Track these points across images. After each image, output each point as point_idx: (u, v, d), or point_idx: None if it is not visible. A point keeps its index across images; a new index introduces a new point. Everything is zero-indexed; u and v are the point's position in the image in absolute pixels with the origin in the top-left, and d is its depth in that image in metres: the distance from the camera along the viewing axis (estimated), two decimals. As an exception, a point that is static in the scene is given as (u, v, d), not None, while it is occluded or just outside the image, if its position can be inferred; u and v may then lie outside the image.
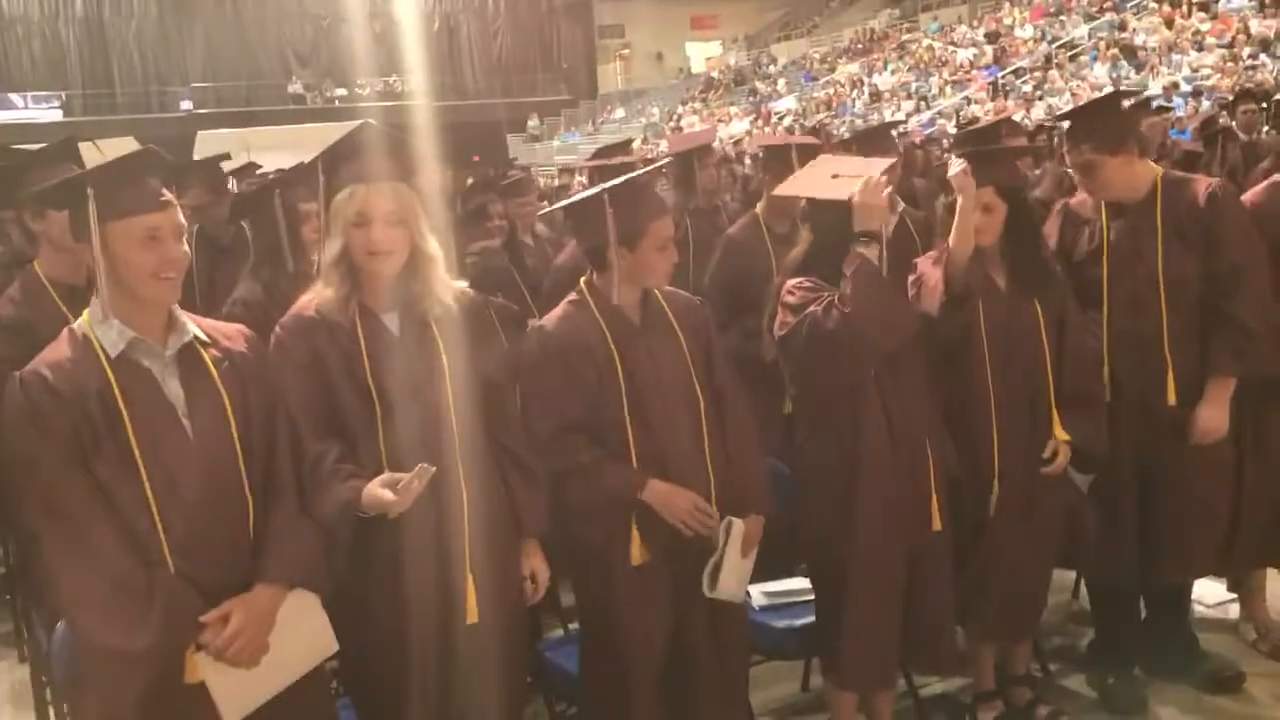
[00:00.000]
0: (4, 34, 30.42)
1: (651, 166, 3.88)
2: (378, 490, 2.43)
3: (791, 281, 3.15)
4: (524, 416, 2.90)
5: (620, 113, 33.28)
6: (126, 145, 3.26)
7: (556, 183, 12.97)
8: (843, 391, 3.15)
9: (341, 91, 32.56)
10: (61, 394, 2.23)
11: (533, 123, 33.50)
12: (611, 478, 2.93)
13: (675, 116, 30.30)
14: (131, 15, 31.47)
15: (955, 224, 3.26)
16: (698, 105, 31.09)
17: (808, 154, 4.30)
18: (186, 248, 2.35)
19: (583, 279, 3.09)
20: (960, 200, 3.25)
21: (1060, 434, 3.35)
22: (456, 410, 2.60)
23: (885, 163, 3.24)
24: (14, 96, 29.50)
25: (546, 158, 27.40)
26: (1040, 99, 19.27)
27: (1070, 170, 4.11)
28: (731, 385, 3.12)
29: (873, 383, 3.14)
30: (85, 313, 2.37)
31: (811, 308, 3.05)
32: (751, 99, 29.30)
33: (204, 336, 2.41)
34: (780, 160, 4.57)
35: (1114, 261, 3.54)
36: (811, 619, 3.35)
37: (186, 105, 30.73)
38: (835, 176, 3.15)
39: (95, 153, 3.34)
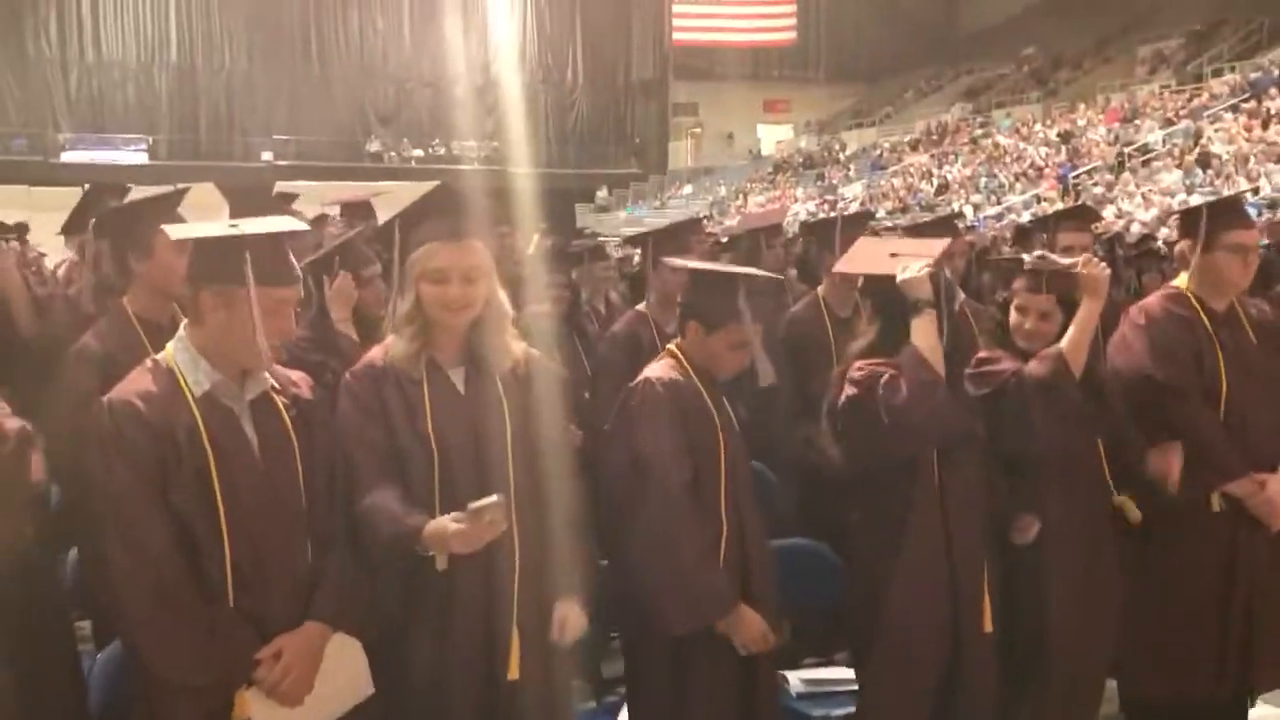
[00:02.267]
0: (100, 76, 31.57)
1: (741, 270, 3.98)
2: (443, 521, 2.47)
3: (859, 361, 3.18)
4: (647, 469, 2.97)
5: (688, 189, 33.65)
6: (207, 191, 3.44)
7: (619, 254, 13.16)
8: (896, 468, 3.14)
9: (418, 153, 33.32)
10: (150, 424, 2.33)
11: (601, 194, 33.96)
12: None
13: (742, 195, 30.58)
14: (222, 66, 32.56)
15: (1078, 329, 3.25)
16: (765, 186, 31.36)
17: (855, 226, 4.37)
18: (294, 321, 2.49)
19: (672, 343, 3.17)
20: (1087, 302, 3.25)
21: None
22: (514, 466, 2.66)
23: (944, 243, 3.27)
24: (106, 138, 30.54)
25: (613, 229, 27.71)
26: (1111, 201, 19.21)
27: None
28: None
29: (929, 463, 3.13)
30: (169, 347, 2.48)
31: (872, 388, 3.07)
32: (819, 183, 29.50)
33: (276, 384, 2.51)
34: (829, 235, 4.62)
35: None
36: (851, 709, 3.30)
37: (267, 156, 31.60)
38: (894, 255, 3.18)
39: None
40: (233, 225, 2.45)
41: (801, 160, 32.85)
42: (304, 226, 2.63)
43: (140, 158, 30.03)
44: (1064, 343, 3.23)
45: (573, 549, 2.78)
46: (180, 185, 3.70)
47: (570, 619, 2.75)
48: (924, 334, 3.01)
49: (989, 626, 3.15)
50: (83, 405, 2.73)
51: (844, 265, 3.46)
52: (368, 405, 2.66)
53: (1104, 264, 3.38)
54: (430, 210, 2.76)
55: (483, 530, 2.44)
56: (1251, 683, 3.60)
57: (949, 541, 3.13)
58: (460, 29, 32.17)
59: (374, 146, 33.46)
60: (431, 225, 2.71)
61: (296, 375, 2.62)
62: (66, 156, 29.36)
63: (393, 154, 33.37)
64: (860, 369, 3.11)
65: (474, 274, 2.64)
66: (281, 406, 2.48)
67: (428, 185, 3.06)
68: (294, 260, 2.50)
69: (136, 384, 2.41)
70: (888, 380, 3.00)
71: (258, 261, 2.36)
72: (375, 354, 2.74)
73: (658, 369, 3.13)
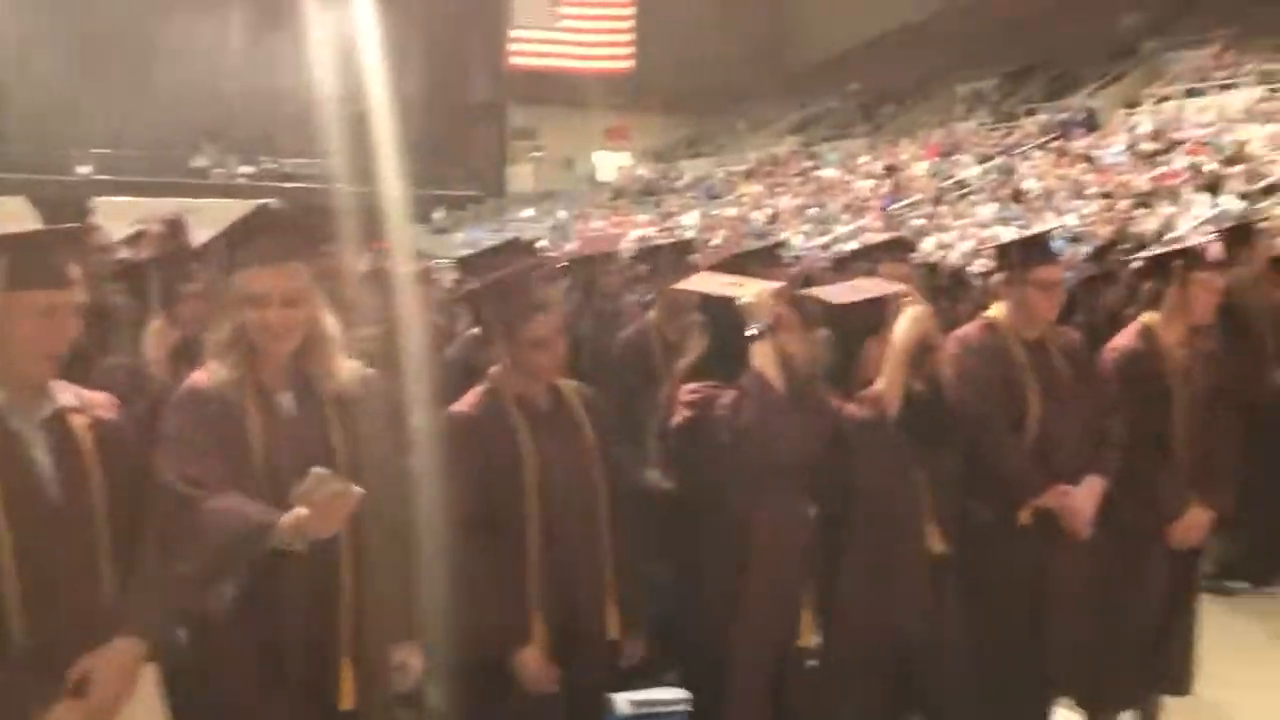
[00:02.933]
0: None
1: (526, 265, 3.97)
2: (295, 510, 2.37)
3: (688, 385, 3.21)
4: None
5: (529, 213, 33.61)
6: (17, 204, 3.24)
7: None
8: (737, 489, 3.18)
9: (248, 169, 32.28)
10: None
11: (439, 215, 33.59)
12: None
13: (583, 220, 30.74)
14: (36, 77, 30.89)
15: (890, 366, 3.35)
16: (605, 212, 31.61)
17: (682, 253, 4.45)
18: (74, 327, 2.33)
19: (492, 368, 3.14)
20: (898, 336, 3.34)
21: None
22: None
23: (780, 285, 3.36)
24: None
25: (451, 251, 27.43)
26: (931, 233, 20.09)
27: None
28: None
29: (771, 481, 3.19)
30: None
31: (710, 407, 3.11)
32: (657, 210, 29.90)
33: (74, 403, 2.37)
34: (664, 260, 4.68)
35: None
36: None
37: (84, 169, 30.07)
38: (730, 284, 3.25)
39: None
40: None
41: (640, 187, 33.25)
42: (75, 228, 2.49)
43: (-59, 167, 28.20)
44: (879, 383, 3.33)
45: (412, 577, 2.73)
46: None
47: (411, 665, 2.71)
48: (764, 356, 3.07)
49: (808, 639, 3.25)
50: None
51: (683, 285, 3.50)
52: (193, 428, 2.55)
53: (919, 295, 3.52)
54: (250, 231, 2.66)
55: (332, 504, 2.36)
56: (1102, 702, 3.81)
57: (795, 560, 3.20)
58: (293, 44, 31.34)
59: (200, 162, 32.25)
60: (251, 247, 2.61)
61: (99, 395, 2.49)
62: None
63: (219, 170, 32.24)
64: (694, 390, 3.15)
65: (294, 297, 2.57)
66: (80, 427, 2.34)
67: (253, 203, 2.96)
68: (65, 263, 2.34)
69: None
70: (731, 401, 3.04)
71: (17, 265, 2.22)
72: (198, 377, 2.63)
73: (462, 401, 3.11)
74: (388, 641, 2.68)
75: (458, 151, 36.67)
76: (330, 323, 2.65)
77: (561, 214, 32.44)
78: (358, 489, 2.39)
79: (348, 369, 2.68)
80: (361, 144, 33.23)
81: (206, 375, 2.61)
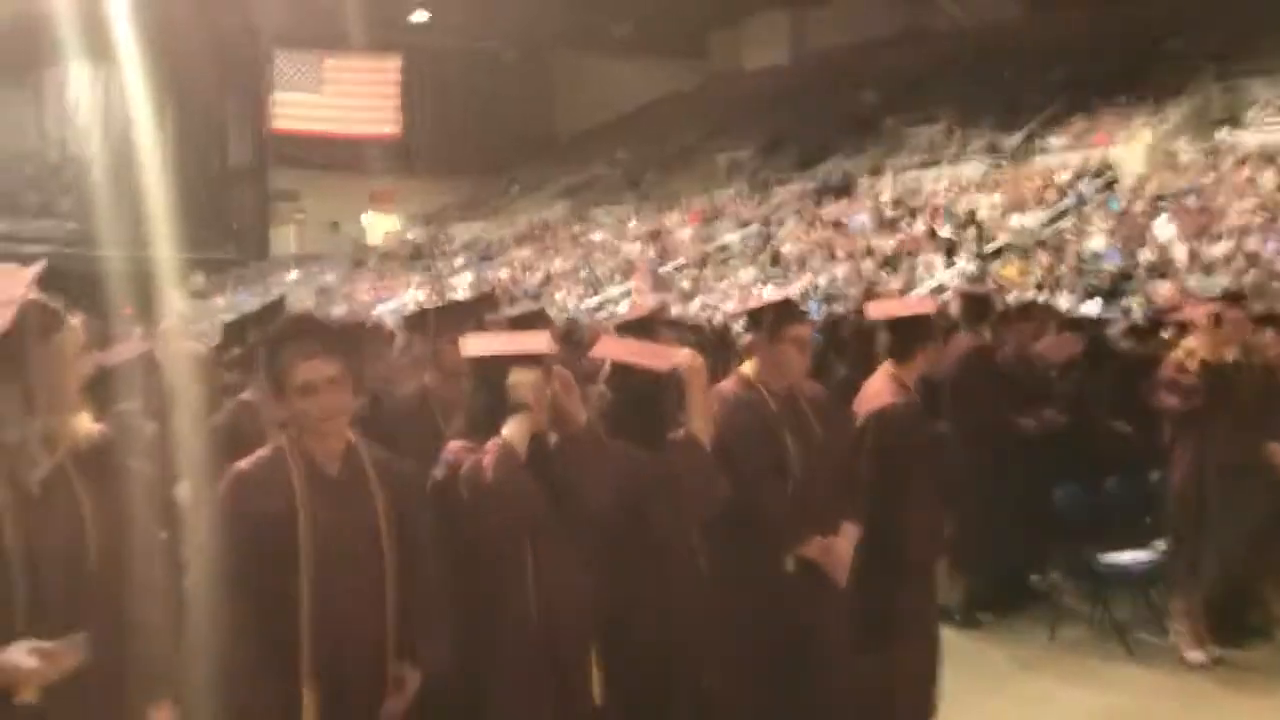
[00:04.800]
0: None
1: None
2: (13, 654, 2.27)
3: (453, 443, 3.25)
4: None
5: (293, 275, 32.74)
6: None
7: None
8: (488, 547, 3.22)
9: (-15, 231, 30.09)
10: None
11: (198, 279, 32.24)
12: None
13: (349, 283, 30.22)
14: None
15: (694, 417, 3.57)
16: (374, 275, 31.21)
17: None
18: None
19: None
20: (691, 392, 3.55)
21: None
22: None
23: (547, 346, 3.47)
24: None
25: (211, 315, 26.34)
26: (696, 294, 20.85)
27: None
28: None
29: (522, 544, 3.24)
30: None
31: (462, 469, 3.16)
32: (428, 273, 29.74)
33: None
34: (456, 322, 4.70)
35: None
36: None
37: None
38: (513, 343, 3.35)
39: None
40: None
41: (409, 251, 32.99)
42: None
43: None
44: (692, 426, 3.54)
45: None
46: None
47: None
48: (517, 429, 3.16)
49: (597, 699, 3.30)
50: None
51: (470, 348, 3.51)
52: None
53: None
54: None
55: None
56: None
57: (547, 619, 3.25)
58: (34, 103, 29.68)
59: (-71, 224, 29.84)
60: None
61: None
62: None
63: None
64: (452, 451, 3.20)
65: None
66: None
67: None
68: None
69: None
70: (473, 463, 3.11)
71: None
72: None
73: (245, 460, 3.06)
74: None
75: (218, 214, 35.40)
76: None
77: (328, 277, 31.76)
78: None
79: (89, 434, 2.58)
80: (111, 206, 31.70)
81: None
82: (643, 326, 4.91)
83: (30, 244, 27.65)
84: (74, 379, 2.53)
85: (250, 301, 27.64)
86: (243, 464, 2.99)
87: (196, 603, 2.83)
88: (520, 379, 3.16)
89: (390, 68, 34.64)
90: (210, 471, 3.20)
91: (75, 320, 2.54)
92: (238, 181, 35.71)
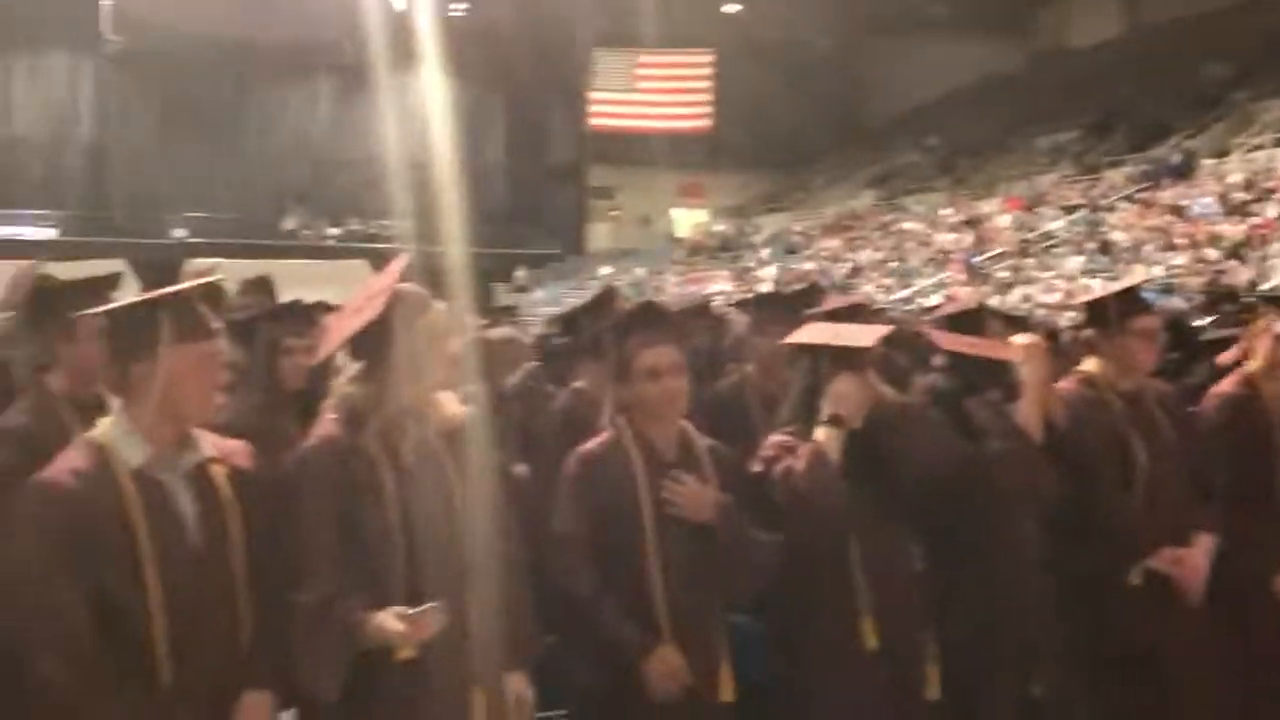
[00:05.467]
0: (9, 152, 30.96)
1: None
2: (385, 619, 2.45)
3: (774, 436, 3.26)
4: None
5: (607, 270, 33.94)
6: (116, 268, 3.47)
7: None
8: (806, 544, 3.21)
9: (335, 231, 33.12)
10: (75, 503, 2.28)
11: (520, 274, 34.07)
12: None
13: (660, 276, 30.98)
14: (133, 144, 32.16)
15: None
16: (682, 268, 31.81)
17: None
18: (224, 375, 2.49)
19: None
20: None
21: None
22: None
23: (885, 330, 3.39)
24: (14, 214, 29.84)
25: (532, 308, 27.80)
26: (1016, 285, 19.87)
27: None
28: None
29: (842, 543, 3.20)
30: (101, 424, 2.44)
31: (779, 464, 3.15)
32: (734, 265, 30.01)
33: (214, 453, 2.49)
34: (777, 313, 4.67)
35: None
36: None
37: (179, 233, 31.10)
38: (837, 335, 3.28)
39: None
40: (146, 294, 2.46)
41: (716, 244, 33.40)
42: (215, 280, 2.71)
43: (49, 233, 29.35)
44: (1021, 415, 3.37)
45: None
46: (111, 271, 3.69)
47: (525, 698, 2.76)
48: (831, 436, 3.13)
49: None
50: (3, 483, 2.66)
51: (797, 337, 3.51)
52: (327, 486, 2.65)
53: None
54: None
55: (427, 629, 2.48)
56: None
57: (877, 611, 3.19)
58: (379, 108, 32.25)
59: (290, 224, 33.18)
60: None
61: (235, 444, 2.61)
62: (-30, 231, 28.56)
63: (308, 232, 33.11)
64: (770, 446, 3.21)
65: None
66: (221, 476, 2.47)
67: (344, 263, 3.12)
68: (211, 316, 2.50)
69: (65, 462, 2.38)
70: (786, 468, 3.14)
71: (176, 321, 2.35)
72: (327, 428, 2.72)
73: (587, 443, 3.20)
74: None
75: (538, 211, 37.26)
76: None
77: (639, 271, 32.70)
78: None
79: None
80: (446, 205, 33.95)
81: (330, 427, 2.70)
82: (970, 319, 4.70)
83: (373, 242, 30.25)
84: (440, 359, 2.71)
85: (568, 296, 28.96)
86: (587, 447, 3.14)
87: (549, 576, 2.97)
88: (842, 390, 3.13)
89: (702, 62, 35.14)
90: (552, 454, 3.36)
91: (441, 305, 2.75)
92: (558, 180, 37.42)
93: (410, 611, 2.46)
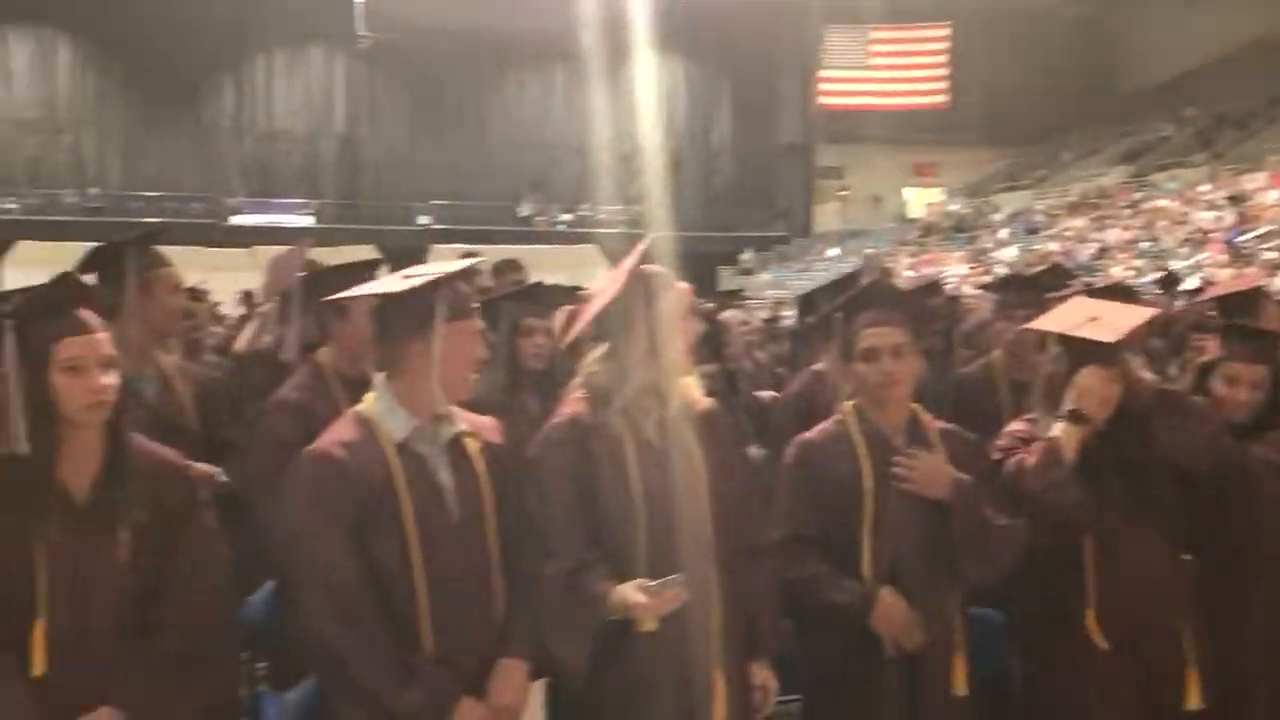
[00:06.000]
0: (270, 144, 33.30)
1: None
2: (627, 591, 2.48)
3: (1013, 424, 3.14)
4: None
5: (835, 252, 33.46)
6: (367, 254, 3.67)
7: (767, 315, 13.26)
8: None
9: (567, 216, 34.04)
10: (349, 473, 2.41)
11: (745, 257, 34.05)
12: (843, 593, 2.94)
13: (891, 258, 30.26)
14: (382, 135, 34.00)
15: None
16: (914, 249, 30.98)
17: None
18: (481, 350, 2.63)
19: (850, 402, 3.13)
20: None
21: None
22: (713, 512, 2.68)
23: (1150, 312, 3.17)
24: (273, 202, 32.09)
25: (757, 291, 27.74)
26: (1285, 266, 18.33)
27: None
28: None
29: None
30: (368, 398, 2.57)
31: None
32: (970, 246, 28.99)
33: (468, 428, 2.58)
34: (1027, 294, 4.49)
35: None
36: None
37: (424, 220, 32.68)
38: (1094, 319, 3.07)
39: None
40: (409, 277, 2.56)
41: (951, 224, 32.33)
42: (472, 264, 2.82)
43: (306, 221, 31.40)
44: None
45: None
46: (372, 258, 3.93)
47: (770, 685, 2.74)
48: (1069, 434, 2.97)
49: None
50: (282, 452, 2.83)
51: (1043, 324, 3.33)
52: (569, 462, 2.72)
53: None
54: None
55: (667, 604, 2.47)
56: None
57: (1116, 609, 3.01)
58: (608, 96, 32.89)
59: (525, 211, 34.32)
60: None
61: (484, 419, 2.69)
62: (236, 220, 30.90)
63: (542, 218, 34.15)
64: (1006, 436, 3.10)
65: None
66: (474, 449, 2.56)
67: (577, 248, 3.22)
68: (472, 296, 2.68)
69: (337, 435, 2.51)
70: (1018, 461, 3.03)
71: (450, 301, 2.43)
72: (575, 407, 2.77)
73: (812, 430, 3.16)
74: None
75: (766, 193, 37.10)
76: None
77: (869, 252, 32.04)
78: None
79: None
80: (672, 190, 34.40)
81: (569, 407, 2.75)
82: (1247, 301, 4.37)
83: (602, 227, 30.90)
84: (680, 339, 2.72)
85: (795, 279, 28.73)
86: (810, 434, 3.09)
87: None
88: (1086, 384, 2.94)
89: (938, 36, 34.04)
90: (787, 438, 3.31)
91: (681, 286, 2.75)
92: (786, 160, 37.13)
93: (652, 584, 2.46)
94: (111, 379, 2.30)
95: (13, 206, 29.46)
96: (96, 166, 31.47)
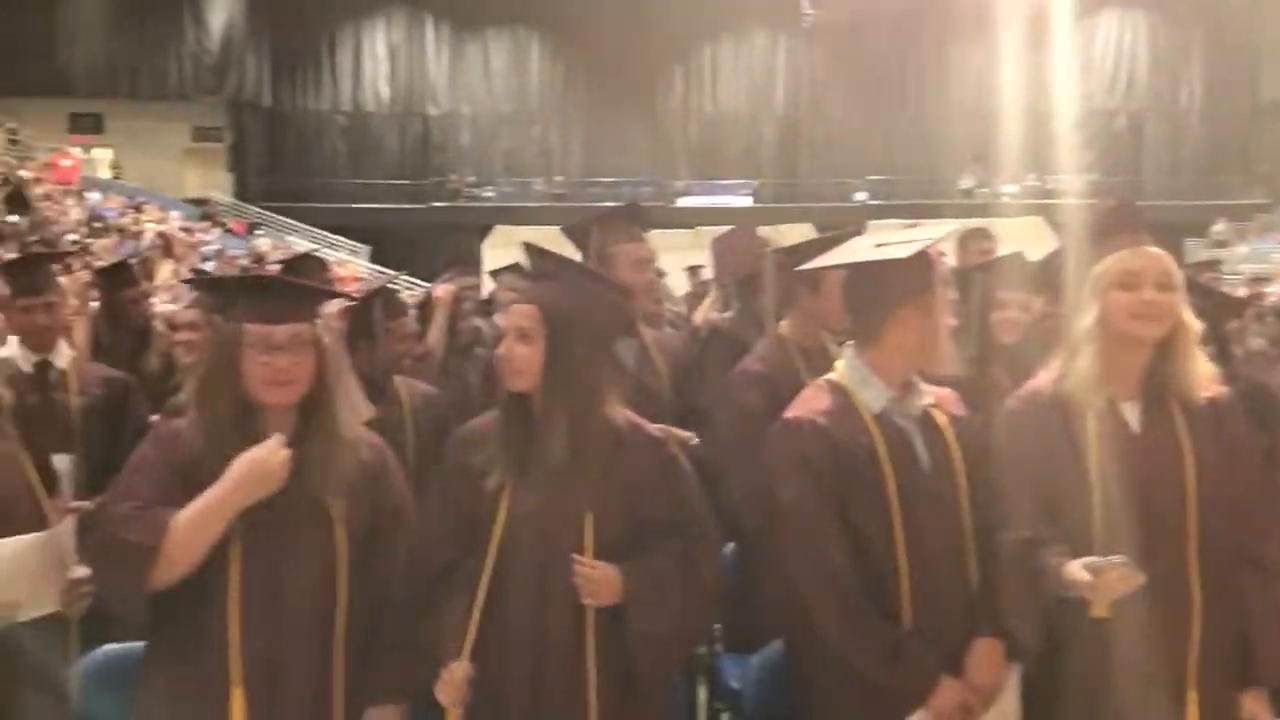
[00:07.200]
0: (715, 127, 34.54)
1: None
2: (1073, 568, 2.31)
3: None
4: None
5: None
6: (805, 232, 3.65)
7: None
8: None
9: (1012, 188, 32.49)
10: (833, 442, 2.44)
11: (1218, 228, 30.78)
12: None
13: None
14: (821, 113, 34.20)
15: None
16: None
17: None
18: None
19: None
20: None
21: None
22: (1200, 514, 2.40)
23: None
24: (717, 184, 33.34)
25: (1232, 266, 25.03)
26: None
27: None
28: None
29: None
30: (838, 367, 2.58)
31: None
32: None
33: (933, 400, 2.53)
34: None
35: None
36: None
37: (860, 196, 32.55)
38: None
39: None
40: (881, 246, 2.51)
41: None
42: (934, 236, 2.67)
43: (746, 201, 32.34)
44: None
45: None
46: (849, 228, 3.92)
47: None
48: None
49: None
50: (749, 422, 2.91)
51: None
52: (1030, 437, 2.55)
53: None
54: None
55: (1113, 585, 2.26)
56: None
57: None
58: (1061, 59, 30.96)
59: (966, 183, 33.18)
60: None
61: (945, 391, 2.63)
62: (682, 202, 32.40)
63: (984, 190, 32.86)
64: None
65: (1167, 280, 2.43)
66: (943, 421, 2.51)
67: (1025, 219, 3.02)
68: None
69: (815, 403, 2.54)
70: None
71: (940, 269, 2.44)
72: (1043, 378, 2.62)
73: None
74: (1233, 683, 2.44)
75: (1243, 156, 33.33)
76: (1189, 321, 2.47)
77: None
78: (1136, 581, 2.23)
79: (1208, 376, 2.48)
80: (1131, 156, 31.80)
81: (1052, 373, 2.57)
82: None
83: (1050, 198, 29.19)
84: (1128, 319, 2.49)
85: (1273, 251, 25.49)
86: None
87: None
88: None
89: None
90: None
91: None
92: (1268, 119, 33.12)
93: (1097, 560, 2.27)
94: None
95: (491, 195, 32.84)
96: (561, 155, 34.25)
